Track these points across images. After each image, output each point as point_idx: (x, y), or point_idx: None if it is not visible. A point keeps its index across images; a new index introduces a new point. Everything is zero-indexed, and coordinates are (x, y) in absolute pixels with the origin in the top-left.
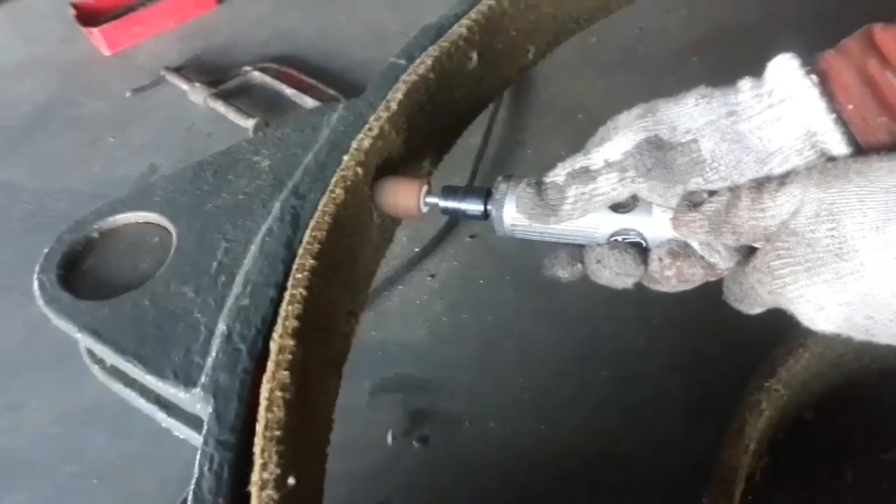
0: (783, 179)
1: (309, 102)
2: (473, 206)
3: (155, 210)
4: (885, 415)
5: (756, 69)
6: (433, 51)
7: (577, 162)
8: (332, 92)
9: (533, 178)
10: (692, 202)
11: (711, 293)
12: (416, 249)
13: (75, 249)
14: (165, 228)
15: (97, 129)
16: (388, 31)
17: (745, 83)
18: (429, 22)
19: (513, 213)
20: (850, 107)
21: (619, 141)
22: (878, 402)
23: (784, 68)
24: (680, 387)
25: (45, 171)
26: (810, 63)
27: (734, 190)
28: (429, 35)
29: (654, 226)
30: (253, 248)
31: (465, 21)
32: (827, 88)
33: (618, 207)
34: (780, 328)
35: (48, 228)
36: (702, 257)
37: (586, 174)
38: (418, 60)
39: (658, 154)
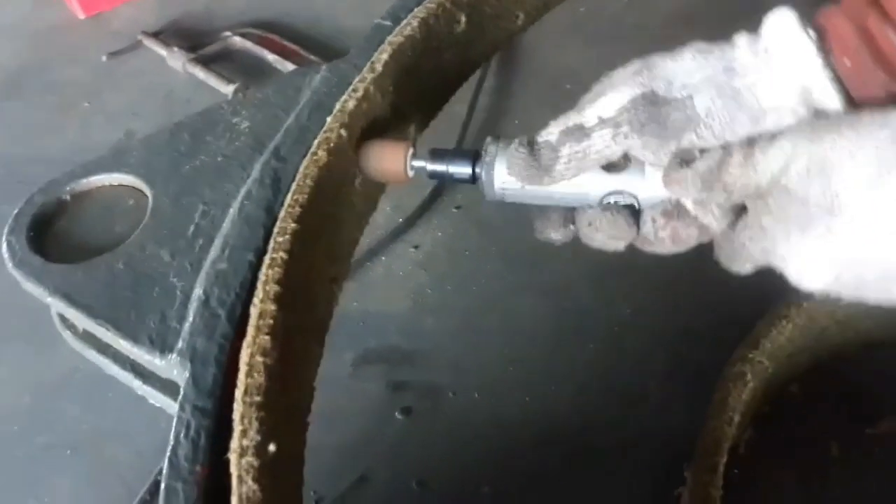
0: (774, 135)
1: (291, 68)
2: (462, 169)
3: (130, 172)
4: (870, 389)
5: None
6: (419, 12)
7: (571, 119)
8: (315, 58)
9: (524, 137)
10: (683, 159)
11: (699, 265)
12: (400, 220)
13: (47, 211)
14: (141, 191)
15: (72, 94)
16: None
17: (742, 39)
18: None
19: (503, 175)
20: (847, 62)
21: (613, 96)
22: (862, 377)
23: (781, 24)
24: (667, 360)
25: (18, 137)
26: (808, 19)
27: (726, 147)
28: None
29: (647, 186)
30: (232, 212)
31: None
32: (825, 44)
33: (610, 168)
34: (766, 301)
35: (22, 195)
36: (695, 217)
37: (580, 131)
38: (404, 22)
39: (652, 109)
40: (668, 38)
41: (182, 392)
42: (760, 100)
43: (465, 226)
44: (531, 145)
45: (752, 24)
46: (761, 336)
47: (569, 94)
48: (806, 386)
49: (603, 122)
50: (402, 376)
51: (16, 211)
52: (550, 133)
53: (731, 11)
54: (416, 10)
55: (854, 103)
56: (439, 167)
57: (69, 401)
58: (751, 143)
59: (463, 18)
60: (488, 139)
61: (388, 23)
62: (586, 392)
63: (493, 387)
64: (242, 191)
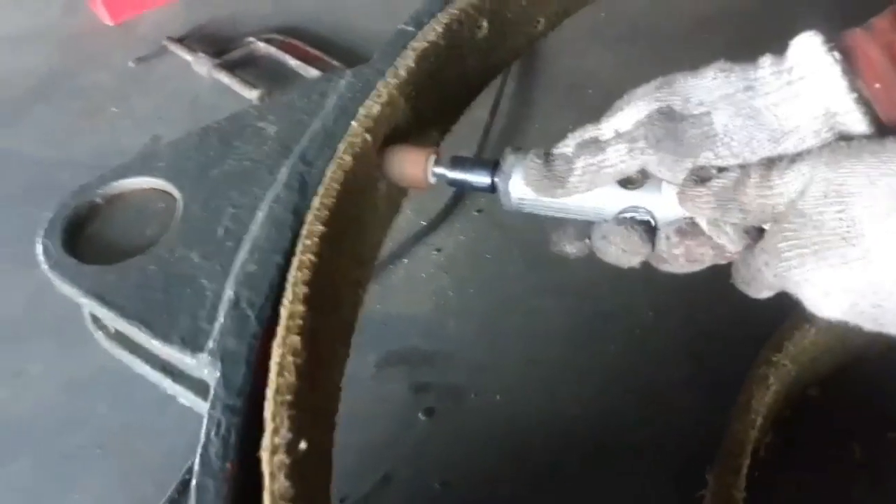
0: (794, 157)
1: (314, 74)
2: (480, 179)
3: (160, 176)
4: (893, 392)
5: (767, 45)
6: (442, 17)
7: (587, 132)
8: (337, 64)
9: (542, 148)
10: (700, 177)
11: (722, 269)
12: (422, 223)
13: (79, 214)
14: (170, 194)
15: (99, 99)
16: (399, 3)
17: (766, 59)
18: None
19: (520, 185)
20: (878, 85)
21: (630, 111)
22: (885, 380)
23: (806, 45)
24: (687, 363)
25: (47, 141)
26: (835, 41)
27: (744, 167)
28: (438, 2)
29: (664, 203)
30: (259, 215)
31: None
32: (852, 66)
33: (627, 183)
34: (788, 306)
35: (51, 199)
36: (710, 237)
37: (595, 144)
38: (427, 27)
39: (669, 125)
40: (688, 42)
41: (213, 391)
42: (781, 120)
43: (487, 229)
44: (547, 156)
45: (769, 27)
46: (785, 339)
47: (589, 99)
48: (828, 389)
49: (619, 136)
50: (424, 378)
51: (51, 215)
52: (566, 145)
53: (747, 19)
54: (438, 15)
55: (883, 127)
56: (459, 175)
57: (98, 399)
58: (769, 164)
59: (485, 24)
60: (507, 149)
61: (411, 28)
62: (607, 394)
63: (514, 388)
64: (270, 194)
